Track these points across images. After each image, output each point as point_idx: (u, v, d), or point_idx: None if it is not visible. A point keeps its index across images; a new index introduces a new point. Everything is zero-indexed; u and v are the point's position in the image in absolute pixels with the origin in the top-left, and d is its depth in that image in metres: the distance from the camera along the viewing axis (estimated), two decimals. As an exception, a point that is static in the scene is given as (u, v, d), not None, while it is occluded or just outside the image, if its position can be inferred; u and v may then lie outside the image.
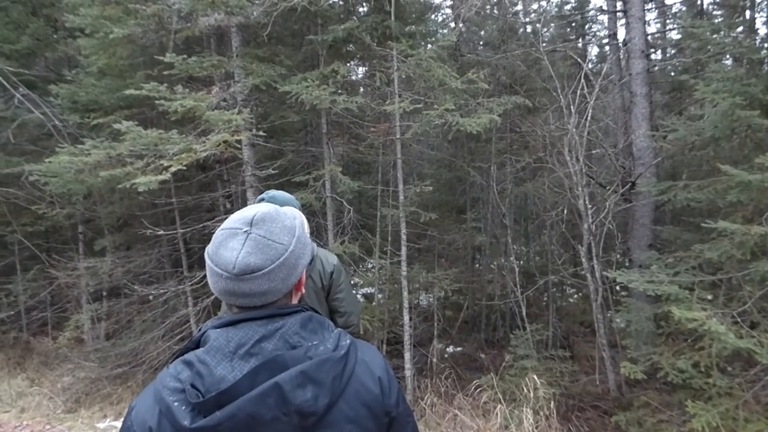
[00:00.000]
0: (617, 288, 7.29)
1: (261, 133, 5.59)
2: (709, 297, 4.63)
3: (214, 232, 0.98)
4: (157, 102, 5.24)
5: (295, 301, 1.00)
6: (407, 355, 6.23)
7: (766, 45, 4.81)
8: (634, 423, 5.23)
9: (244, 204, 6.56)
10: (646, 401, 5.39)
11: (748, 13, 5.73)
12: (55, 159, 5.64)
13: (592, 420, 5.81)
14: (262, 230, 0.92)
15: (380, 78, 5.98)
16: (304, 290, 1.03)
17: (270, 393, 0.83)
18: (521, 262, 8.42)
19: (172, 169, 5.04)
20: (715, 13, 8.01)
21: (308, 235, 1.14)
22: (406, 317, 6.28)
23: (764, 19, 5.18)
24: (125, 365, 6.58)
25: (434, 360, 6.77)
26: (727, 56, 6.20)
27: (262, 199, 2.28)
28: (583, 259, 5.80)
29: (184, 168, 5.11)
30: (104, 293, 7.84)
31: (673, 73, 8.48)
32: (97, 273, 7.00)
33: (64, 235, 8.86)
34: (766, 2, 4.84)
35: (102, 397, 6.58)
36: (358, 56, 7.08)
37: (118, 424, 5.92)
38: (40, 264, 8.06)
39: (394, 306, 7.34)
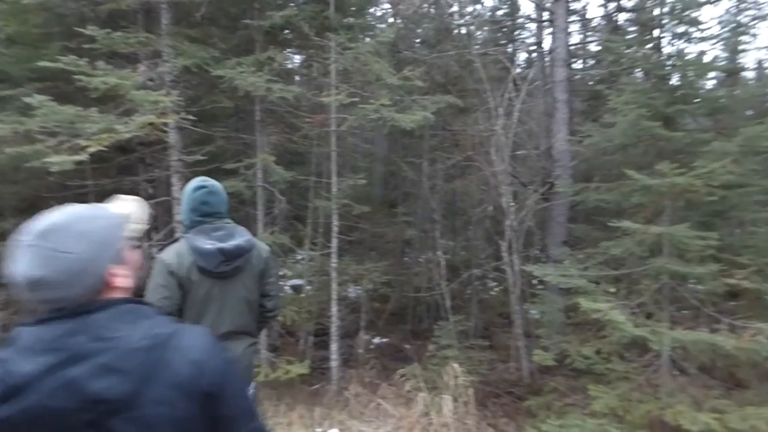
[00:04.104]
0: (535, 281, 7.76)
1: (190, 117, 5.38)
2: (612, 290, 5.09)
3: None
4: (75, 77, 4.90)
5: (114, 294, 1.01)
6: (333, 346, 6.30)
7: (669, 62, 5.30)
8: (543, 407, 5.63)
9: (168, 189, 6.29)
10: (554, 386, 5.83)
11: (657, 31, 6.30)
12: (-49, 131, 5.12)
13: (507, 405, 6.18)
14: (49, 241, 0.93)
15: (317, 69, 5.95)
16: (124, 283, 1.02)
17: (63, 385, 0.88)
18: (448, 255, 8.73)
19: (91, 150, 4.74)
20: (629, 29, 8.73)
21: (136, 226, 1.05)
22: (334, 309, 6.33)
23: (669, 39, 5.68)
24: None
25: (360, 351, 6.88)
26: (638, 70, 6.77)
27: (202, 187, 2.23)
28: (504, 254, 6.14)
29: (105, 149, 4.82)
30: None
31: (591, 83, 9.12)
32: (-1, 258, 6.42)
33: (-41, 217, 8.01)
34: (670, 24, 5.34)
35: None
36: (296, 45, 6.99)
37: None
38: (-70, 248, 7.25)
39: (323, 298, 7.36)
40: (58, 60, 4.84)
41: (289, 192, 8.09)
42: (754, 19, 8.61)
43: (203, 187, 2.22)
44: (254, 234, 6.35)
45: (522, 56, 10.26)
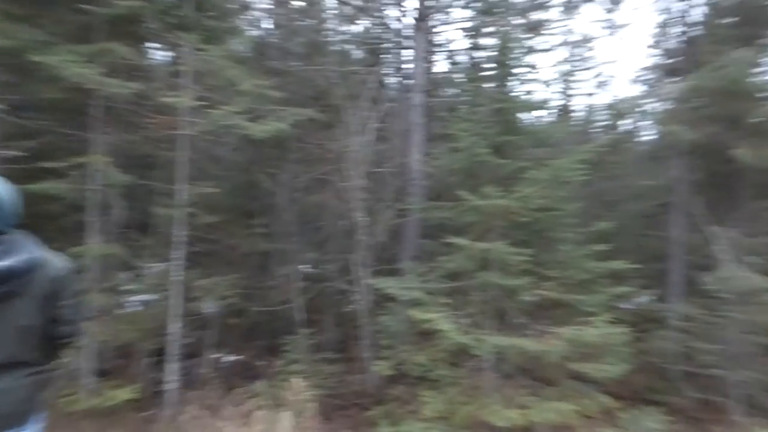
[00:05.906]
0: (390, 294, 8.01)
1: (1, 105, 4.72)
2: (447, 301, 5.45)
3: None
4: None
5: None
6: (171, 367, 5.84)
7: (503, 98, 5.89)
8: (385, 416, 5.80)
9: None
10: (397, 395, 6.04)
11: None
12: None
13: (352, 417, 6.24)
14: None
15: (165, 67, 5.61)
16: None
17: None
18: (309, 269, 8.66)
19: None
20: (485, 65, 9.60)
21: None
22: (173, 326, 5.90)
23: (507, 78, 6.30)
24: None
25: (204, 371, 6.51)
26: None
27: None
28: (356, 267, 6.27)
29: None
30: None
31: (447, 109, 9.83)
32: None
33: None
34: (509, 65, 5.96)
35: None
36: (144, 39, 6.52)
37: None
38: None
39: (169, 314, 6.84)
40: None
41: (138, 198, 7.43)
42: (581, 70, 10.24)
43: None
44: (81, 244, 5.71)
45: (387, 78, 10.71)
